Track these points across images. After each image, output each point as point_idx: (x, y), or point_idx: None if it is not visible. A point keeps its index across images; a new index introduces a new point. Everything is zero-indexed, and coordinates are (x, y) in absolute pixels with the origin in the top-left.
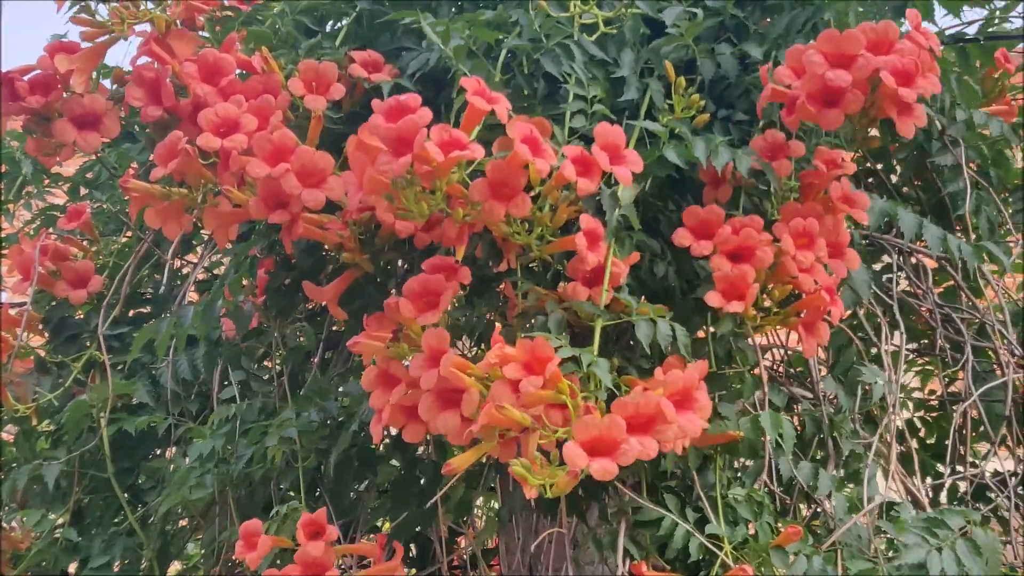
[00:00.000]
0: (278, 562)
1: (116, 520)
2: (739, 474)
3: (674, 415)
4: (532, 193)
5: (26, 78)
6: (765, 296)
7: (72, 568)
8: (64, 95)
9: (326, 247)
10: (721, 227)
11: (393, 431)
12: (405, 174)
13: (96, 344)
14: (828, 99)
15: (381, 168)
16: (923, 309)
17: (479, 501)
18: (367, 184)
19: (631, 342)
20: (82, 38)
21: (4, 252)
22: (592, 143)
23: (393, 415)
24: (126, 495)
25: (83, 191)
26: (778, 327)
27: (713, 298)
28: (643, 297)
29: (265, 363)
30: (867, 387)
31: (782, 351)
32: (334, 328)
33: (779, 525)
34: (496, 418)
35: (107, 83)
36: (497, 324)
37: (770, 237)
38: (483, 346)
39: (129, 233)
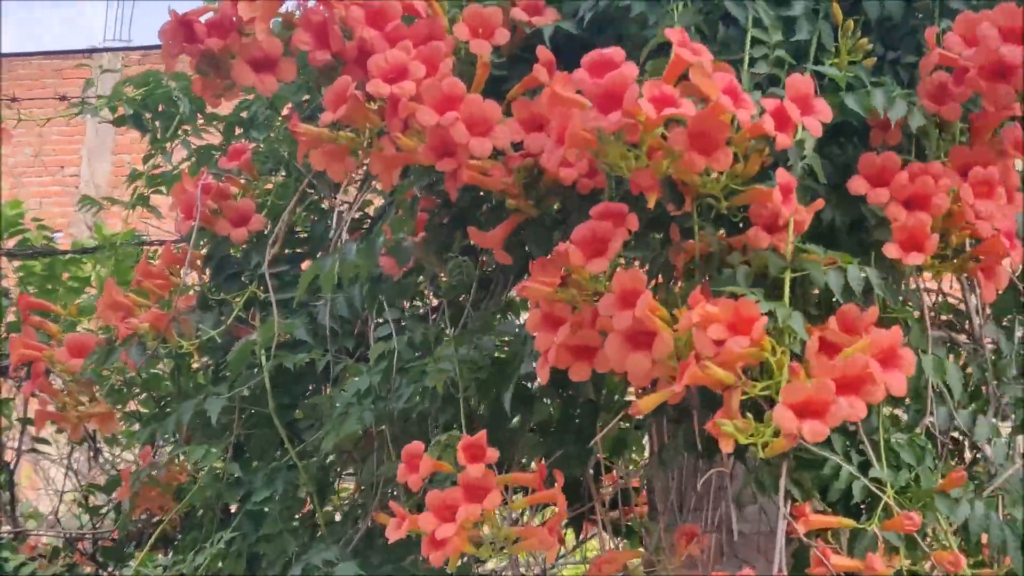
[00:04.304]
0: None
1: (276, 456)
2: (898, 420)
3: (881, 375)
4: None
5: (203, 20)
6: (942, 243)
7: None
8: (241, 38)
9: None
10: (898, 174)
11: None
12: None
13: (256, 282)
14: (999, 72)
15: (588, 124)
16: None
17: None
18: (570, 139)
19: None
20: None
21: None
22: (767, 89)
23: (560, 355)
24: (285, 431)
25: (237, 130)
26: (955, 273)
27: (891, 249)
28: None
29: (415, 301)
30: None
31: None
32: (485, 269)
33: (936, 471)
34: (700, 377)
35: None
36: (700, 286)
37: (947, 184)
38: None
39: (284, 173)
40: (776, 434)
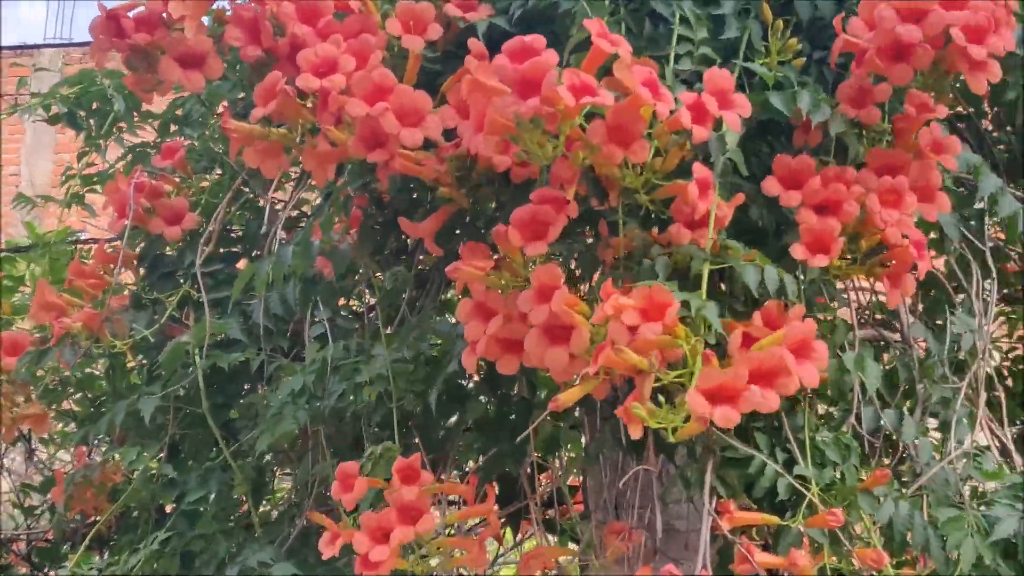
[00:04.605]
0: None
1: (211, 456)
2: (829, 419)
3: (795, 367)
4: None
5: (131, 15)
6: (851, 246)
7: None
8: (168, 33)
9: (420, 186)
10: (811, 178)
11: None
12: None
13: (190, 281)
14: (898, 53)
15: (506, 110)
16: (1013, 254)
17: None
18: (488, 126)
19: (722, 285)
20: None
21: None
22: (695, 85)
23: (489, 347)
24: (220, 431)
25: (172, 128)
26: (862, 276)
27: (797, 250)
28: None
29: (351, 302)
30: (960, 335)
31: (868, 295)
32: (420, 268)
33: (864, 469)
34: (614, 361)
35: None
36: (611, 279)
37: (860, 191)
38: (582, 282)
39: (220, 171)
40: (687, 420)
